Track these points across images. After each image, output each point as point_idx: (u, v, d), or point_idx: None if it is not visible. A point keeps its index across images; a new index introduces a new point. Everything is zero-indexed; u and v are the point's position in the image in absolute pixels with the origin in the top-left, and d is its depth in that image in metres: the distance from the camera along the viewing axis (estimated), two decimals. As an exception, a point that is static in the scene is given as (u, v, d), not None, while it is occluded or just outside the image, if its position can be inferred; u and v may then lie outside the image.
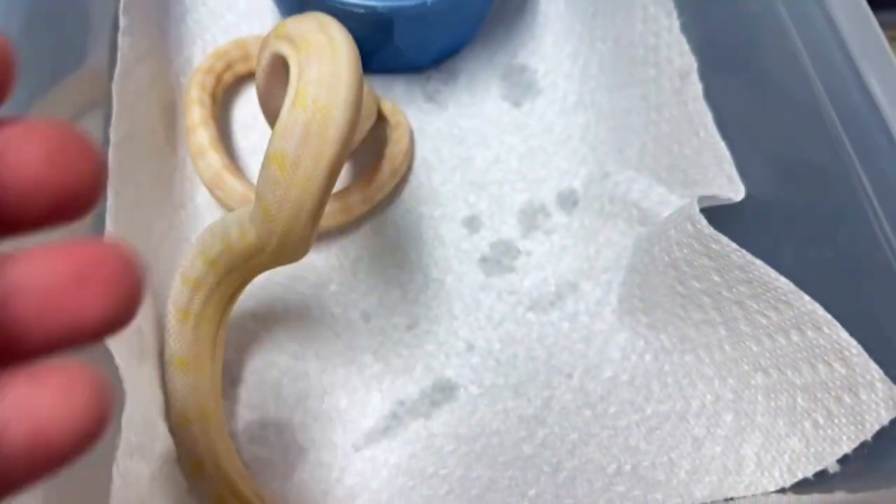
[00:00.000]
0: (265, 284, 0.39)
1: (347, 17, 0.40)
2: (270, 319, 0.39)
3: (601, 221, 0.40)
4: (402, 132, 0.42)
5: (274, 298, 0.39)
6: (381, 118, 0.43)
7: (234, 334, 0.37)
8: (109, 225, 0.30)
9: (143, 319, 0.31)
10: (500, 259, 0.41)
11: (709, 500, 0.29)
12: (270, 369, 0.37)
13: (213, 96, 0.41)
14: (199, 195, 0.40)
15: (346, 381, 0.37)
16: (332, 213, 0.39)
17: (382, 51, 0.44)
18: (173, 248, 0.37)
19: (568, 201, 0.43)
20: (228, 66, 0.42)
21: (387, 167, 0.41)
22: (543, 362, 0.37)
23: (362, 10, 0.39)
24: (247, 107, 0.44)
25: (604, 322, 0.38)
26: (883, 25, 0.29)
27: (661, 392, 0.33)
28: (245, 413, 0.36)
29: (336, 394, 0.37)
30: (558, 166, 0.44)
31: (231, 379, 0.37)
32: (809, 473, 0.28)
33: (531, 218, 0.42)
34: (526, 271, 0.41)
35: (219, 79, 0.42)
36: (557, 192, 0.43)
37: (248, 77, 0.44)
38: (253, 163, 0.43)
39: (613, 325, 0.38)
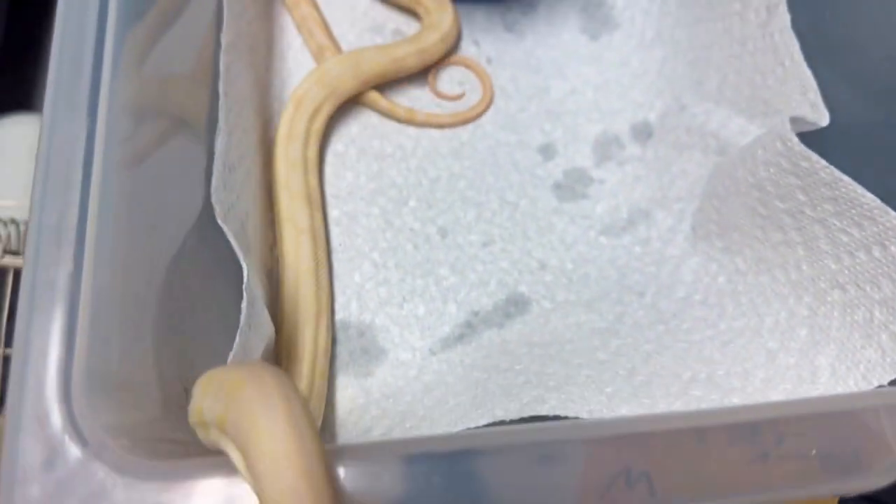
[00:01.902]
0: (346, 196, 0.41)
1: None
2: (352, 231, 0.41)
3: (676, 152, 0.41)
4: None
5: (355, 212, 0.41)
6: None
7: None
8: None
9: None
10: (573, 186, 0.43)
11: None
12: (353, 274, 0.39)
13: None
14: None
15: (424, 291, 0.39)
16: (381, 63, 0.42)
17: (466, -22, 0.45)
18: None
19: (642, 133, 0.44)
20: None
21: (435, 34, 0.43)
22: (615, 282, 0.38)
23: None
24: None
25: (676, 247, 0.39)
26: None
27: (735, 310, 0.35)
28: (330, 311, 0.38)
29: (414, 301, 0.39)
30: (633, 99, 0.45)
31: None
32: (885, 381, 0.29)
33: (605, 148, 0.44)
34: (598, 198, 0.42)
35: None
36: (632, 124, 0.44)
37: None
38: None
39: (686, 251, 0.39)
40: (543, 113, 0.45)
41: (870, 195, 0.28)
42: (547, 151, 0.44)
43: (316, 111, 0.40)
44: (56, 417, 0.20)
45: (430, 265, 0.40)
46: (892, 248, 0.28)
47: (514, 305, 0.39)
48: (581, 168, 0.43)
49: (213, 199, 0.30)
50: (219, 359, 0.28)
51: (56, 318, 0.21)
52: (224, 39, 0.35)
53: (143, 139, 0.27)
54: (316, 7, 0.45)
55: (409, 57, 0.43)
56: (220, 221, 0.29)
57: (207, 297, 0.31)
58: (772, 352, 0.32)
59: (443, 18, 0.44)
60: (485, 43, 0.46)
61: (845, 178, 0.28)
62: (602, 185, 0.43)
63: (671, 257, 0.39)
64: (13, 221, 0.44)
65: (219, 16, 0.36)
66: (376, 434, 0.34)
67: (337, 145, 0.43)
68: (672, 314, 0.36)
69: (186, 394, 0.27)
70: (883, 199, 0.30)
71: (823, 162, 0.29)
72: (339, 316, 0.38)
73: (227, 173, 0.33)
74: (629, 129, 0.44)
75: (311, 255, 0.37)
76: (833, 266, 0.30)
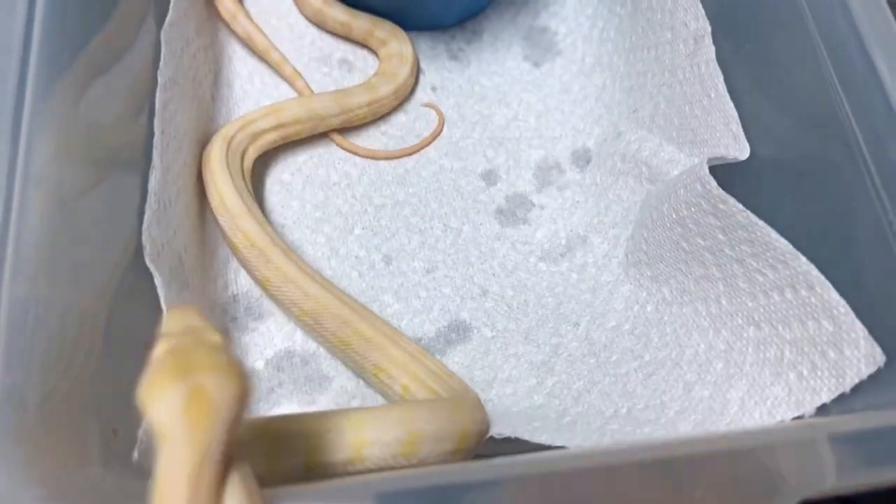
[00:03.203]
0: (292, 226, 0.42)
1: (377, -25, 0.42)
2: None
3: (612, 179, 0.42)
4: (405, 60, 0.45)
5: (301, 240, 0.41)
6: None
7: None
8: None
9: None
10: (514, 211, 0.44)
11: (691, 435, 0.32)
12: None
13: None
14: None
15: (368, 318, 0.40)
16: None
17: (408, 8, 0.46)
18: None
19: (582, 159, 0.45)
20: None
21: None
22: (552, 310, 0.39)
23: (392, -32, 0.40)
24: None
25: (610, 274, 0.41)
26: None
27: (660, 340, 0.36)
28: (275, 342, 0.39)
29: (358, 329, 0.39)
30: (574, 125, 0.46)
31: (259, 312, 0.39)
32: (788, 418, 0.31)
33: (546, 174, 0.45)
34: (539, 224, 0.43)
35: None
36: (572, 150, 0.45)
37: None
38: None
39: (619, 277, 0.40)
40: (487, 140, 0.46)
41: (783, 240, 0.29)
42: (490, 177, 0.45)
43: (244, 152, 0.41)
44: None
45: (375, 292, 0.41)
46: (802, 291, 0.29)
47: (456, 332, 0.40)
48: (522, 193, 0.44)
49: (144, 238, 0.30)
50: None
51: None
52: (161, 78, 0.35)
53: (70, 181, 0.28)
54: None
55: (360, 108, 0.44)
56: (148, 262, 0.29)
57: (141, 335, 0.31)
58: (689, 384, 0.33)
59: (399, 70, 0.45)
60: (429, 71, 0.47)
61: (760, 222, 0.30)
62: (542, 211, 0.43)
63: (605, 283, 0.40)
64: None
65: (157, 53, 0.36)
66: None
67: (283, 174, 0.44)
68: (603, 345, 0.37)
69: (115, 434, 0.28)
70: (799, 229, 0.31)
71: (740, 206, 0.30)
72: (283, 345, 0.39)
73: (163, 210, 0.33)
74: (569, 155, 0.45)
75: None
76: (749, 303, 0.32)
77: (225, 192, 0.38)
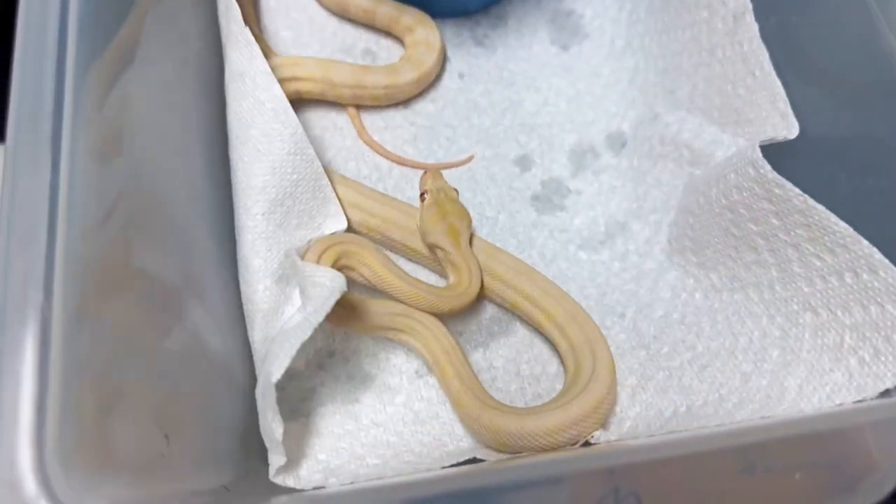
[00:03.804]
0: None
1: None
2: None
3: (650, 162, 0.41)
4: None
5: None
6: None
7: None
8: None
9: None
10: (550, 197, 0.43)
11: (748, 421, 0.31)
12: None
13: None
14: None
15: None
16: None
17: (434, -6, 0.45)
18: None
19: (617, 143, 0.44)
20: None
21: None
22: (596, 301, 0.38)
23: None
24: None
25: (653, 261, 0.40)
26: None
27: (711, 329, 0.35)
28: (316, 341, 0.38)
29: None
30: (607, 109, 0.45)
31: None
32: (849, 401, 0.30)
33: (580, 158, 0.44)
34: (576, 210, 0.42)
35: None
36: (606, 133, 0.44)
37: None
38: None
39: (663, 264, 0.39)
40: (518, 126, 0.45)
41: (843, 224, 0.28)
42: (524, 163, 0.44)
43: None
44: (30, 485, 0.20)
45: (412, 286, 0.40)
46: (864, 275, 0.28)
47: (498, 324, 0.39)
48: (558, 178, 0.43)
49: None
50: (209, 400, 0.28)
51: (26, 384, 0.21)
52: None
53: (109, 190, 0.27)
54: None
55: (376, 89, 0.43)
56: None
57: (196, 349, 0.30)
58: (745, 374, 0.32)
59: (426, 57, 0.43)
60: (455, 58, 0.46)
61: (819, 206, 0.29)
62: (579, 196, 0.43)
63: (649, 271, 0.39)
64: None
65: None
66: (371, 462, 0.34)
67: (312, 169, 0.42)
68: (653, 336, 0.36)
69: (167, 440, 0.27)
70: (854, 207, 0.30)
71: (797, 190, 0.29)
72: (322, 344, 0.38)
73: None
74: (604, 139, 0.44)
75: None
76: (805, 289, 0.31)
77: None
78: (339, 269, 0.35)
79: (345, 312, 0.35)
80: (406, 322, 0.36)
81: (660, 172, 0.41)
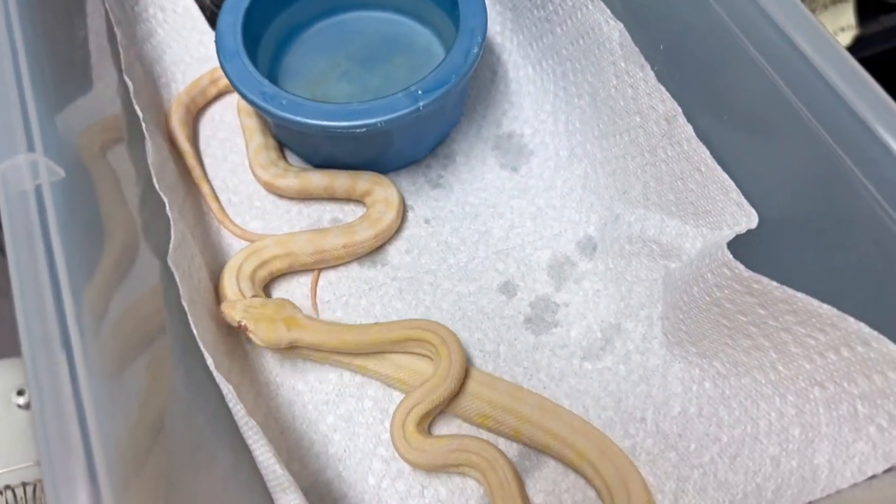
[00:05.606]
0: (336, 400, 0.41)
1: (349, 138, 0.44)
2: (352, 433, 0.41)
3: (624, 261, 0.43)
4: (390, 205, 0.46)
5: (350, 411, 0.41)
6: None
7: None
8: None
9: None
10: (542, 316, 0.44)
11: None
12: (367, 477, 0.39)
13: None
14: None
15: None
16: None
17: (384, 155, 0.47)
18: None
19: (588, 247, 0.46)
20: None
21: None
22: (614, 410, 0.40)
23: (363, 129, 0.41)
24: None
25: (655, 357, 0.41)
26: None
27: (730, 417, 0.36)
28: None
29: (434, 486, 0.39)
30: (570, 218, 0.47)
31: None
32: (880, 471, 0.30)
33: (559, 270, 0.46)
34: (569, 323, 0.44)
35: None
36: (575, 241, 0.46)
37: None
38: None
39: (665, 358, 0.41)
40: (493, 255, 0.46)
41: (826, 306, 0.30)
42: (508, 289, 0.45)
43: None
44: None
45: (436, 440, 0.40)
46: (859, 348, 0.29)
47: (528, 458, 0.39)
48: (544, 296, 0.45)
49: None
50: None
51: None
52: (185, 303, 0.35)
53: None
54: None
55: (335, 249, 0.44)
56: None
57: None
58: (775, 458, 0.33)
59: (384, 214, 0.46)
60: (417, 205, 0.48)
61: (799, 294, 0.30)
62: (568, 308, 0.44)
63: (655, 368, 0.40)
64: (8, 488, 0.43)
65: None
66: None
67: (310, 348, 0.43)
68: (677, 435, 0.37)
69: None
70: (829, 284, 0.32)
71: (774, 283, 0.30)
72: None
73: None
74: (575, 247, 0.46)
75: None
76: (807, 366, 0.32)
77: None
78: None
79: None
80: (467, 457, 0.37)
81: (636, 269, 0.43)
